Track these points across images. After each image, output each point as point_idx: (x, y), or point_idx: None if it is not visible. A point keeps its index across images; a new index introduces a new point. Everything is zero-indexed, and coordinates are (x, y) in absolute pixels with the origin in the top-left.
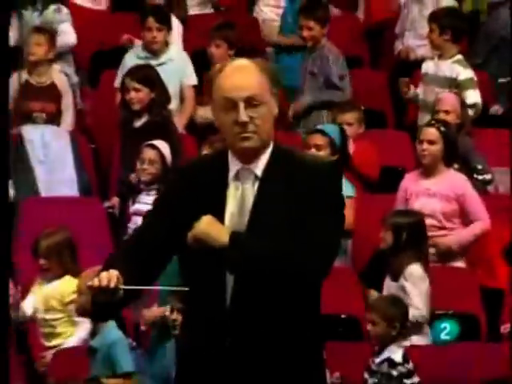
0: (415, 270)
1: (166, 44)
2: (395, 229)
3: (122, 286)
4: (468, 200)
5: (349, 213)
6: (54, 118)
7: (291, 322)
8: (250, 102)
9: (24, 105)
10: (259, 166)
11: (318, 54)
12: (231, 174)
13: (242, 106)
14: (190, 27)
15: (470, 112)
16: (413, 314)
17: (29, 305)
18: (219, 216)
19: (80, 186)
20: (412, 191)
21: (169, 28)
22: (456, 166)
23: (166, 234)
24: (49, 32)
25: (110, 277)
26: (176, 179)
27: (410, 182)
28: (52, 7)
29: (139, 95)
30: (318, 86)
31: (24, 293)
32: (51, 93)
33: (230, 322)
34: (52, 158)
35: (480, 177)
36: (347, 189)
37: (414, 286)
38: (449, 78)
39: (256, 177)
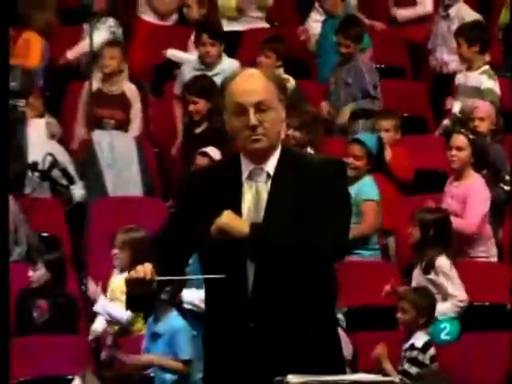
0: (443, 261)
1: (219, 56)
2: (422, 224)
3: (157, 278)
4: (468, 200)
5: (371, 215)
6: (122, 125)
7: (309, 305)
8: (259, 107)
9: (95, 111)
10: (270, 166)
11: (352, 65)
12: (245, 174)
13: (251, 110)
14: (246, 41)
15: None
16: (453, 304)
17: (99, 323)
18: (237, 211)
19: (144, 187)
20: (446, 193)
21: (221, 42)
22: (484, 171)
23: (188, 230)
24: (121, 45)
25: (146, 270)
26: (193, 181)
27: (447, 185)
28: (102, 19)
29: (197, 107)
30: (352, 96)
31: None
32: (121, 101)
33: (253, 307)
34: (119, 161)
35: (506, 187)
36: (372, 192)
37: (446, 278)
38: (475, 87)
39: (268, 175)
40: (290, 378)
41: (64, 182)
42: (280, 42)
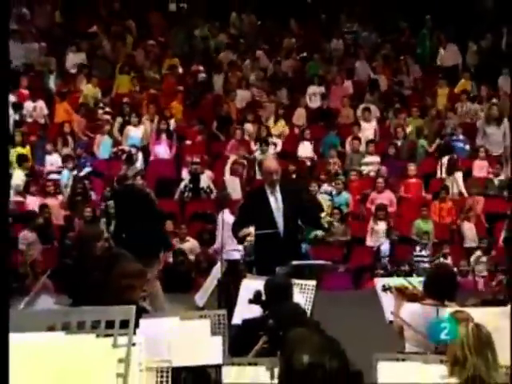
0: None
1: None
2: None
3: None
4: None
5: None
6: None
7: (296, 234)
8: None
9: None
10: (277, 188)
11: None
12: (268, 191)
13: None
14: None
15: None
16: None
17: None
18: (269, 208)
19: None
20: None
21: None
22: None
23: (250, 215)
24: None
25: (249, 232)
26: (249, 195)
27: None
28: None
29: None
30: None
31: None
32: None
33: (282, 237)
34: (232, 187)
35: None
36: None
37: None
38: None
39: (277, 191)
40: (295, 262)
41: (209, 191)
42: None
